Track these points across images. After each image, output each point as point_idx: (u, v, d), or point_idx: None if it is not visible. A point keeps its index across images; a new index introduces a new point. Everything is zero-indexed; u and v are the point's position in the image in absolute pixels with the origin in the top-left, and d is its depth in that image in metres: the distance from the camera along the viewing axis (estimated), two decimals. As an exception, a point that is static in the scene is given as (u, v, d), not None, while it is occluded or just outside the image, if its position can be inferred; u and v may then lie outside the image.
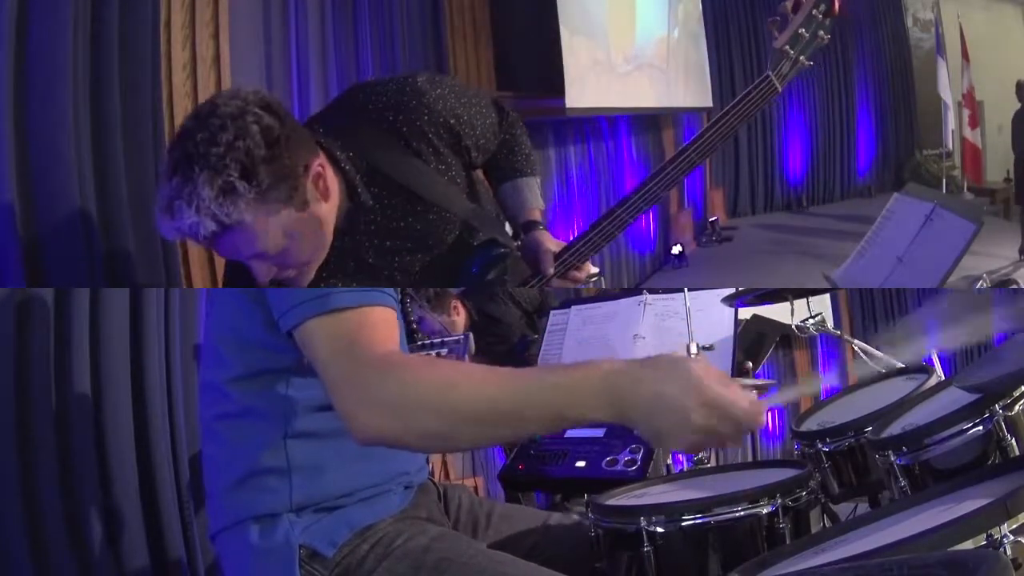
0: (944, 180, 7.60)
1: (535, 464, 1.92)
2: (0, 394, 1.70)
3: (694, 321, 2.01)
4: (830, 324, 2.68)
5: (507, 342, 2.96)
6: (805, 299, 2.42)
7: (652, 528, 1.25)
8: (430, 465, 1.55)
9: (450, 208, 1.42)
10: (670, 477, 1.63)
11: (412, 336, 2.66)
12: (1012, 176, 6.30)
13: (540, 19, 4.36)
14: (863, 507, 1.95)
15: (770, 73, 1.40)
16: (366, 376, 1.01)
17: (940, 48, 7.46)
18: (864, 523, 1.13)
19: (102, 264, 1.91)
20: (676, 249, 6.32)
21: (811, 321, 2.41)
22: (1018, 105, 5.86)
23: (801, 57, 1.40)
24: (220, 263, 2.36)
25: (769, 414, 5.61)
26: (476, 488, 3.43)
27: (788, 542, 1.23)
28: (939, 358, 2.21)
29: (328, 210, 1.27)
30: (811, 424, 1.87)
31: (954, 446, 1.27)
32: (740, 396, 0.96)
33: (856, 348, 2.44)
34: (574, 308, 2.34)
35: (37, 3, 1.76)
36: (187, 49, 2.28)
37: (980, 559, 0.75)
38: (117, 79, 1.96)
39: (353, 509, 1.20)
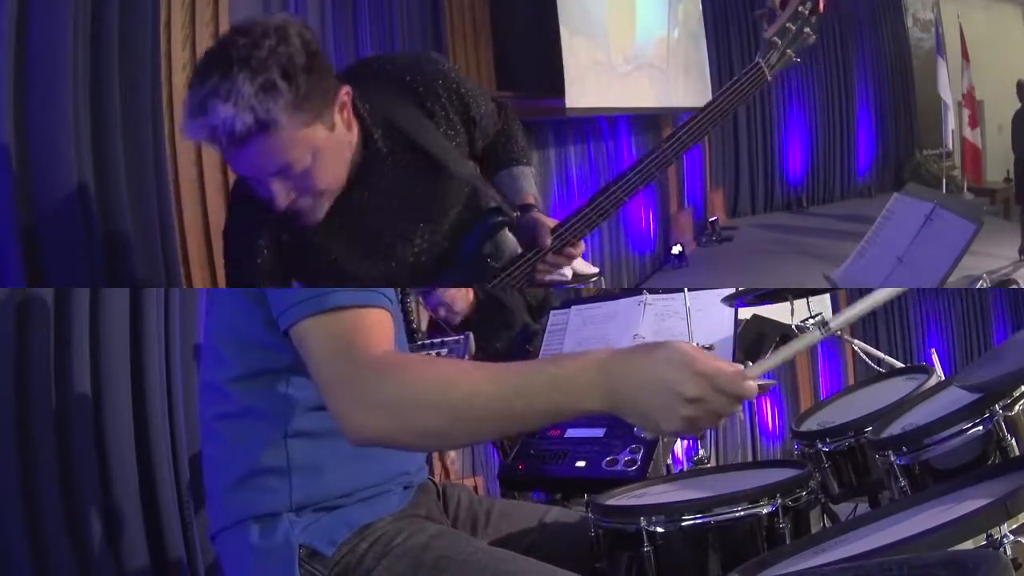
0: (944, 180, 7.60)
1: (535, 464, 1.92)
2: (0, 394, 1.70)
3: (694, 321, 2.01)
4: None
5: (511, 329, 2.95)
6: (805, 299, 2.42)
7: (652, 528, 1.25)
8: (429, 465, 1.55)
9: (458, 171, 1.42)
10: (670, 477, 1.63)
11: (412, 336, 2.66)
12: (1012, 176, 6.30)
13: (540, 19, 4.36)
14: (863, 507, 1.95)
15: (760, 60, 1.42)
16: (362, 377, 1.01)
17: (940, 48, 7.46)
18: (864, 523, 1.13)
19: (102, 264, 1.91)
20: (676, 249, 6.32)
21: (811, 321, 2.40)
22: (1018, 105, 5.86)
23: (788, 50, 1.43)
24: (220, 264, 2.37)
25: (769, 413, 5.61)
26: (476, 487, 3.43)
27: (788, 542, 1.23)
28: (939, 358, 2.21)
29: (349, 144, 1.28)
30: (811, 424, 1.87)
31: (954, 446, 1.27)
32: (729, 364, 0.97)
33: (856, 348, 2.44)
34: (574, 308, 2.34)
35: (37, 3, 1.76)
36: (187, 49, 2.28)
37: (980, 559, 0.75)
38: (117, 79, 1.96)
39: (353, 509, 1.20)
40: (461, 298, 2.78)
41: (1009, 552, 0.86)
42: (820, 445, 1.71)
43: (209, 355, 1.29)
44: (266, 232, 1.37)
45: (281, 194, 1.23)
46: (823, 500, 1.61)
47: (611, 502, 1.41)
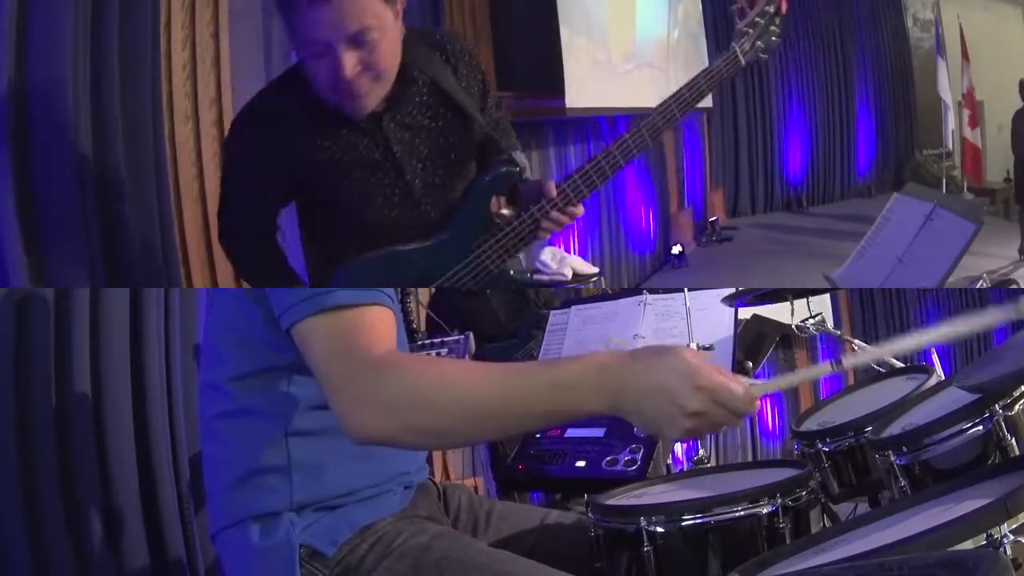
0: (944, 180, 7.60)
1: (535, 464, 1.92)
2: (0, 394, 1.70)
3: (694, 321, 2.01)
4: (830, 324, 2.68)
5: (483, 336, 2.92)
6: (805, 299, 2.42)
7: (652, 528, 1.25)
8: (430, 465, 1.56)
9: (476, 119, 1.47)
10: (670, 477, 1.63)
11: (412, 336, 2.66)
12: (1012, 176, 6.30)
13: (540, 19, 4.36)
14: (863, 507, 1.95)
15: (735, 47, 1.55)
16: (363, 375, 1.01)
17: (940, 48, 7.46)
18: (864, 523, 1.13)
19: (102, 264, 1.91)
20: (676, 249, 6.32)
21: (811, 321, 2.41)
22: (1018, 105, 5.85)
23: (758, 42, 1.56)
24: (220, 263, 2.37)
25: (769, 413, 5.62)
26: (476, 488, 3.43)
27: (788, 542, 1.23)
28: (939, 358, 2.21)
29: (400, 43, 1.35)
30: (811, 424, 1.87)
31: (954, 446, 1.27)
32: (733, 380, 0.97)
33: (856, 348, 2.44)
34: (574, 308, 2.34)
35: (37, 3, 1.76)
36: (187, 49, 2.28)
37: (980, 559, 0.75)
38: (117, 79, 1.96)
39: (353, 508, 1.20)
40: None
41: (1009, 552, 0.86)
42: (820, 445, 1.71)
43: (209, 355, 1.29)
44: (282, 148, 1.38)
45: (350, 63, 1.26)
46: (823, 500, 1.61)
47: (611, 502, 1.41)
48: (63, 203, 1.83)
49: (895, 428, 1.46)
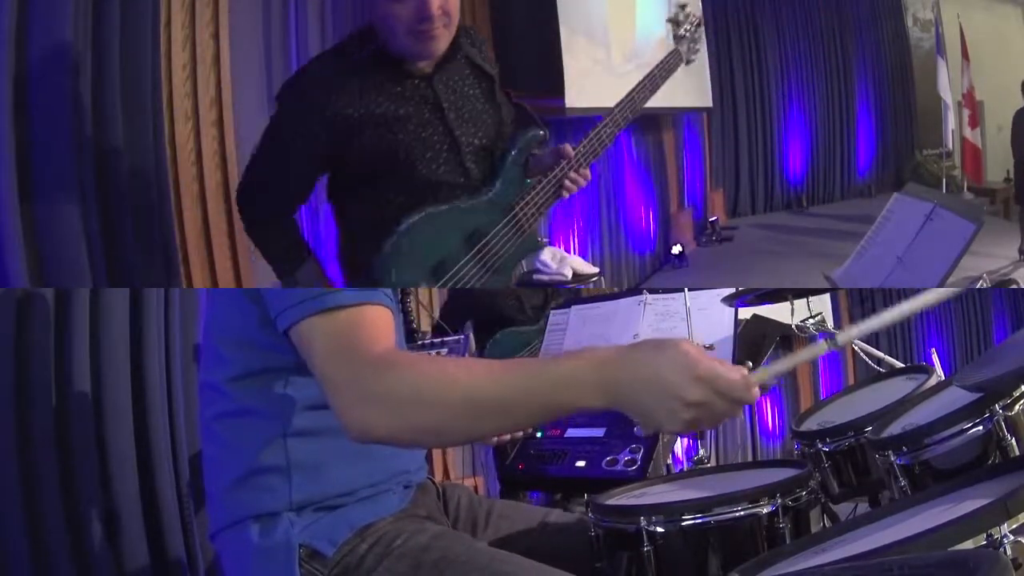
0: (944, 180, 7.59)
1: (535, 464, 1.92)
2: (0, 394, 1.70)
3: (694, 321, 2.01)
4: (830, 324, 2.68)
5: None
6: (805, 299, 2.42)
7: (652, 528, 1.25)
8: (429, 465, 1.56)
9: (503, 91, 1.63)
10: (670, 477, 1.63)
11: (412, 336, 2.66)
12: (1012, 176, 6.30)
13: (540, 19, 4.36)
14: (863, 507, 1.95)
15: (678, 48, 1.90)
16: (362, 374, 1.01)
17: (940, 48, 7.46)
18: (864, 523, 1.13)
19: (102, 264, 1.91)
20: (676, 249, 6.31)
21: (811, 321, 2.40)
22: (1018, 105, 5.85)
23: (692, 46, 1.94)
24: (220, 263, 2.37)
25: (769, 413, 5.61)
26: (476, 488, 3.43)
27: (788, 542, 1.23)
28: (939, 358, 2.21)
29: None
30: (811, 424, 1.87)
31: (954, 446, 1.27)
32: (732, 369, 0.97)
33: (856, 348, 2.44)
34: (574, 308, 2.34)
35: (37, 3, 1.76)
36: (187, 49, 2.28)
37: (980, 559, 0.75)
38: (117, 79, 1.97)
39: (353, 508, 1.20)
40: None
41: (1009, 552, 0.86)
42: (820, 445, 1.71)
43: (208, 355, 1.29)
44: (337, 103, 1.45)
45: (434, 4, 1.40)
46: (823, 500, 1.61)
47: (611, 502, 1.41)
48: (63, 203, 1.83)
49: (895, 428, 1.46)
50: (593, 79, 4.89)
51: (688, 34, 1.92)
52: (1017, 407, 1.25)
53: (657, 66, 1.83)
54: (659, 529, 1.25)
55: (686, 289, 2.06)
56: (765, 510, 1.26)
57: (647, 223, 6.16)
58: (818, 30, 8.32)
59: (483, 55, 1.63)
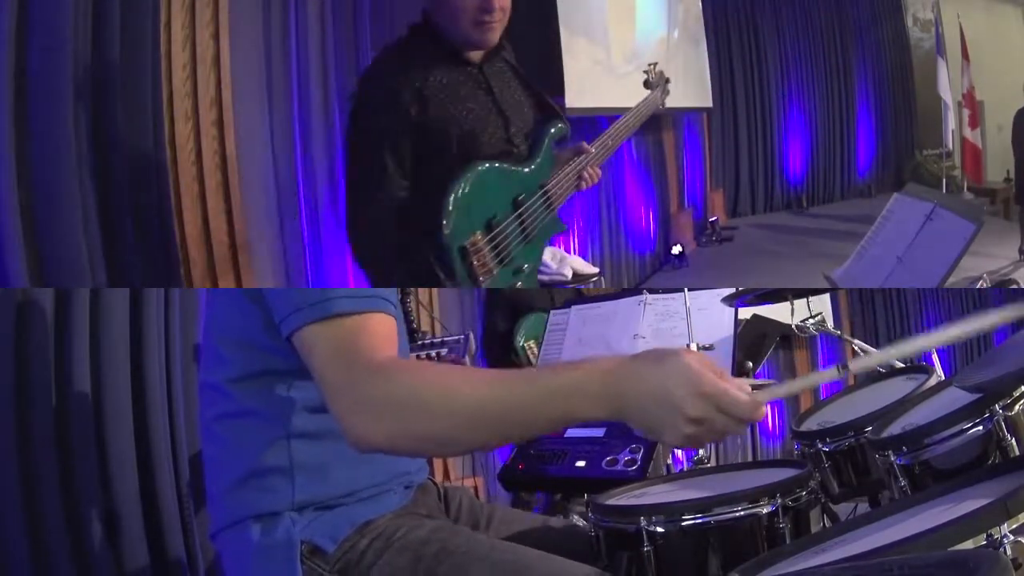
0: (944, 180, 7.59)
1: (535, 464, 1.92)
2: (0, 394, 1.70)
3: (694, 321, 2.01)
4: (830, 324, 2.68)
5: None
6: (805, 299, 2.42)
7: (652, 528, 1.25)
8: (431, 466, 1.57)
9: (535, 87, 1.80)
10: (670, 477, 1.63)
11: (412, 336, 2.66)
12: (1012, 176, 6.30)
13: (540, 20, 4.36)
14: (863, 507, 1.95)
15: (657, 95, 2.21)
16: (364, 383, 1.01)
17: (940, 48, 7.46)
18: (864, 523, 1.13)
19: (102, 264, 1.91)
20: (676, 249, 6.31)
21: (811, 321, 2.41)
22: (1019, 105, 5.85)
23: (664, 96, 2.25)
24: (220, 263, 2.37)
25: (769, 413, 5.61)
26: (476, 488, 3.44)
27: (788, 542, 1.23)
28: (939, 358, 2.21)
29: None
30: (811, 424, 1.87)
31: (954, 446, 1.27)
32: (736, 387, 0.95)
33: (856, 348, 2.44)
34: (574, 308, 2.34)
35: (37, 3, 1.76)
36: (187, 49, 2.28)
37: (980, 559, 0.75)
38: (117, 79, 1.97)
39: (354, 507, 1.20)
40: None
41: (1009, 552, 0.86)
42: (820, 445, 1.71)
43: (209, 355, 1.29)
44: (417, 80, 1.58)
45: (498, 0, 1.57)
46: (823, 500, 1.61)
47: (611, 502, 1.41)
48: (63, 203, 1.83)
49: (895, 428, 1.46)
50: (593, 80, 4.89)
51: (658, 88, 2.23)
52: (1017, 407, 1.25)
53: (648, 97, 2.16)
54: (659, 529, 1.25)
55: (686, 289, 2.06)
56: (765, 510, 1.26)
57: (647, 223, 6.16)
58: (818, 30, 8.32)
59: (513, 59, 1.81)
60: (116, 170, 1.97)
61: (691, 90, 6.39)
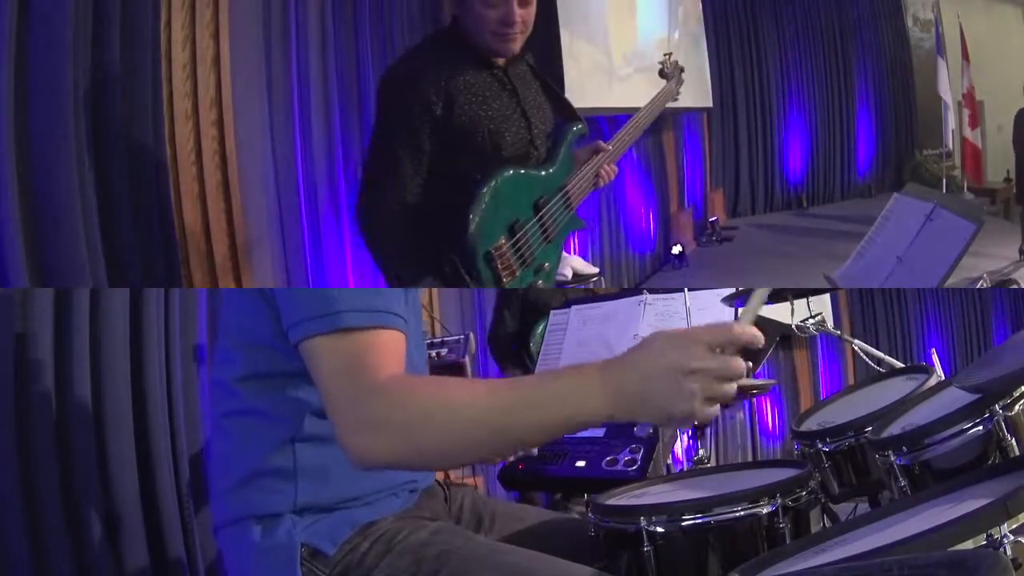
0: (944, 180, 7.59)
1: (535, 464, 1.92)
2: (0, 394, 1.70)
3: (694, 321, 2.01)
4: (830, 324, 2.68)
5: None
6: (805, 299, 2.42)
7: (652, 528, 1.25)
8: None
9: (557, 90, 1.85)
10: (670, 477, 1.63)
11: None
12: (1012, 176, 6.30)
13: (541, 23, 4.35)
14: (863, 507, 1.95)
15: (673, 86, 2.13)
16: (367, 402, 1.01)
17: (940, 48, 7.46)
18: (864, 523, 1.13)
19: (102, 264, 1.91)
20: (676, 249, 6.31)
21: (811, 321, 2.41)
22: (1019, 105, 5.85)
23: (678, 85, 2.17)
24: (220, 263, 2.37)
25: (769, 413, 5.61)
26: (476, 488, 3.43)
27: (788, 542, 1.23)
28: (939, 358, 2.21)
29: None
30: (811, 424, 1.87)
31: (954, 446, 1.27)
32: (717, 323, 0.97)
33: (856, 348, 2.44)
34: (574, 308, 2.34)
35: (37, 3, 1.76)
36: (187, 49, 2.28)
37: (980, 559, 0.75)
38: (117, 79, 1.96)
39: (356, 510, 1.20)
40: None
41: (1009, 552, 0.87)
42: (820, 445, 1.71)
43: (220, 353, 1.29)
44: (444, 80, 1.62)
45: (518, 12, 1.63)
46: (823, 500, 1.61)
47: (611, 502, 1.41)
48: (63, 203, 1.83)
49: (895, 428, 1.46)
50: (594, 82, 4.90)
51: (673, 78, 2.18)
52: (1017, 407, 1.25)
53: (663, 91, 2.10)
54: (659, 529, 1.25)
55: (686, 289, 2.07)
56: (765, 510, 1.27)
57: (647, 223, 6.16)
58: (818, 30, 8.32)
59: (532, 59, 1.85)
60: (116, 170, 1.97)
61: (691, 90, 6.38)
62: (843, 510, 2.01)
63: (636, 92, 5.58)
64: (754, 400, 4.18)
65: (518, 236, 1.67)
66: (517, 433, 0.99)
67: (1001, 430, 1.24)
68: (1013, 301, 7.53)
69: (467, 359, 2.67)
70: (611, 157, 1.85)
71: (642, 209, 6.07)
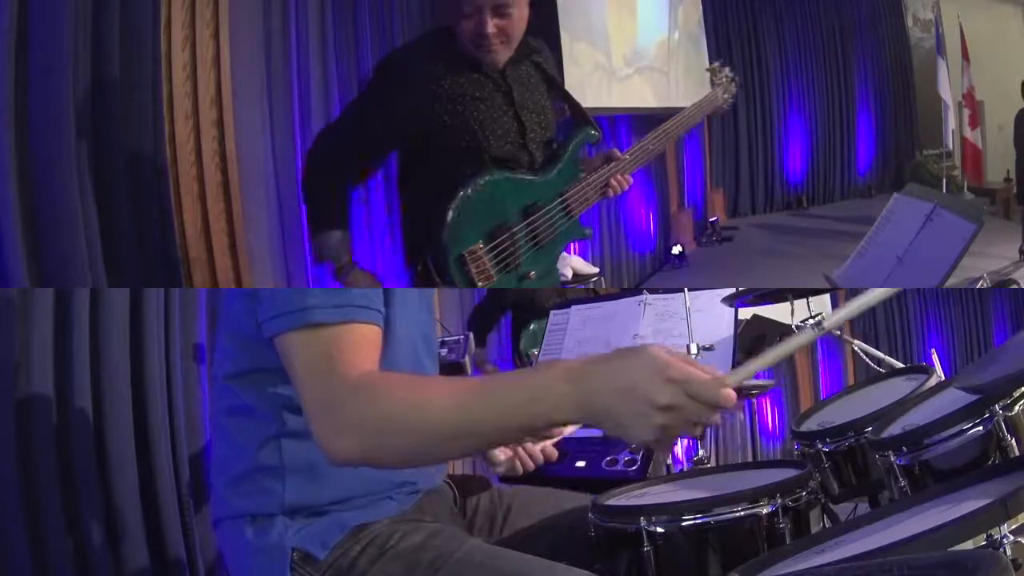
0: (944, 180, 7.59)
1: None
2: (0, 395, 1.70)
3: (694, 321, 2.01)
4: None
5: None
6: (805, 299, 2.42)
7: (652, 528, 1.25)
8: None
9: (564, 91, 1.83)
10: (670, 477, 1.63)
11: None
12: (1012, 176, 6.30)
13: (541, 25, 4.36)
14: (863, 507, 1.95)
15: (718, 94, 2.11)
16: (338, 399, 1.00)
17: (940, 48, 7.46)
18: (864, 523, 1.13)
19: (102, 264, 1.91)
20: (676, 249, 6.32)
21: (811, 321, 2.40)
22: (1019, 105, 5.84)
23: (725, 96, 2.14)
24: (220, 263, 2.37)
25: (769, 413, 5.61)
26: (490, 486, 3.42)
27: (788, 542, 1.23)
28: (939, 358, 2.21)
29: (526, 21, 1.67)
30: (811, 424, 1.87)
31: (954, 446, 1.27)
32: (706, 371, 0.93)
33: (856, 348, 2.44)
34: (574, 308, 2.34)
35: (37, 3, 1.76)
36: (187, 49, 2.28)
37: (980, 559, 0.75)
38: (117, 79, 1.96)
39: (348, 513, 1.19)
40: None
41: (1009, 552, 0.87)
42: (820, 445, 1.71)
43: (217, 351, 1.29)
44: (431, 77, 1.63)
45: (491, 24, 1.59)
46: (823, 500, 1.61)
47: (611, 502, 1.41)
48: (63, 203, 1.83)
49: (895, 428, 1.46)
50: (594, 83, 4.90)
51: (721, 86, 2.13)
52: (1017, 408, 1.25)
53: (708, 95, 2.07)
54: (659, 529, 1.25)
55: (686, 289, 2.06)
56: (765, 510, 1.27)
57: (647, 223, 6.16)
58: (818, 30, 8.32)
59: (548, 63, 1.84)
60: (116, 170, 1.97)
61: (691, 90, 6.38)
62: (843, 510, 2.01)
63: (636, 93, 5.59)
64: (754, 400, 4.18)
65: (500, 241, 1.64)
66: (485, 434, 0.99)
67: (1001, 430, 1.24)
68: (1013, 301, 7.53)
69: (467, 359, 2.67)
70: (626, 167, 1.79)
71: (642, 209, 6.07)
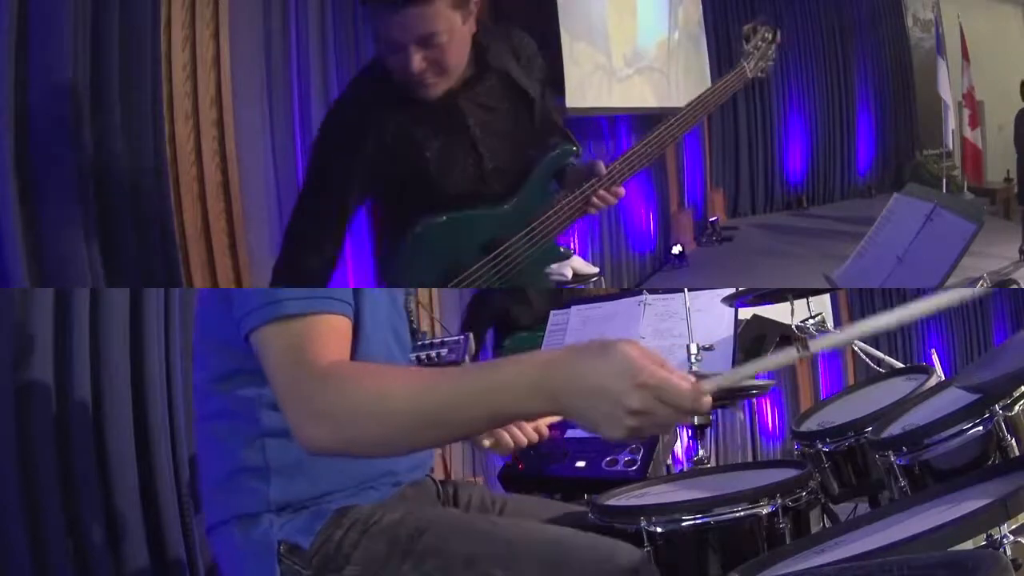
0: (944, 180, 7.59)
1: (535, 464, 1.92)
2: (0, 394, 1.70)
3: (694, 321, 2.01)
4: (830, 324, 2.68)
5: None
6: (805, 299, 2.42)
7: (652, 528, 1.25)
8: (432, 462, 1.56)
9: (537, 102, 1.66)
10: (670, 477, 1.63)
11: (412, 335, 2.65)
12: (1013, 176, 6.30)
13: (541, 25, 4.36)
14: (863, 507, 1.95)
15: (744, 63, 1.86)
16: (308, 389, 1.01)
17: (940, 48, 7.46)
18: (864, 523, 1.13)
19: (102, 264, 1.91)
20: (676, 249, 6.32)
21: (811, 321, 2.41)
22: (1019, 105, 5.85)
23: (759, 63, 1.88)
24: (220, 263, 2.37)
25: (769, 413, 5.61)
26: (483, 485, 3.42)
27: (788, 542, 1.23)
28: (939, 358, 2.21)
29: (469, 41, 1.50)
30: (811, 424, 1.87)
31: (954, 446, 1.27)
32: (678, 376, 0.92)
33: (856, 348, 2.44)
34: (574, 308, 2.34)
35: (37, 3, 1.76)
36: (187, 49, 2.28)
37: (980, 559, 0.75)
38: (117, 79, 1.97)
39: (333, 504, 1.20)
40: None
41: (1009, 552, 0.87)
42: (820, 445, 1.71)
43: (196, 356, 1.30)
44: (382, 111, 1.52)
45: (417, 60, 1.43)
46: (823, 500, 1.61)
47: (611, 502, 1.41)
48: (63, 203, 1.83)
49: (895, 428, 1.46)
50: (594, 84, 4.90)
51: (757, 51, 1.88)
52: (1017, 407, 1.25)
53: (717, 85, 1.82)
54: (659, 529, 1.25)
55: (686, 289, 2.06)
56: (765, 510, 1.27)
57: (647, 223, 6.16)
58: (818, 30, 8.32)
59: (528, 69, 1.66)
60: (116, 170, 1.97)
61: (691, 90, 6.38)
62: (843, 510, 2.01)
63: (636, 93, 5.59)
64: (754, 400, 4.18)
65: (458, 280, 1.57)
66: (450, 422, 0.98)
67: (1001, 430, 1.24)
68: (1013, 301, 7.53)
69: (467, 360, 2.67)
70: (613, 179, 1.62)
71: (642, 209, 6.07)
